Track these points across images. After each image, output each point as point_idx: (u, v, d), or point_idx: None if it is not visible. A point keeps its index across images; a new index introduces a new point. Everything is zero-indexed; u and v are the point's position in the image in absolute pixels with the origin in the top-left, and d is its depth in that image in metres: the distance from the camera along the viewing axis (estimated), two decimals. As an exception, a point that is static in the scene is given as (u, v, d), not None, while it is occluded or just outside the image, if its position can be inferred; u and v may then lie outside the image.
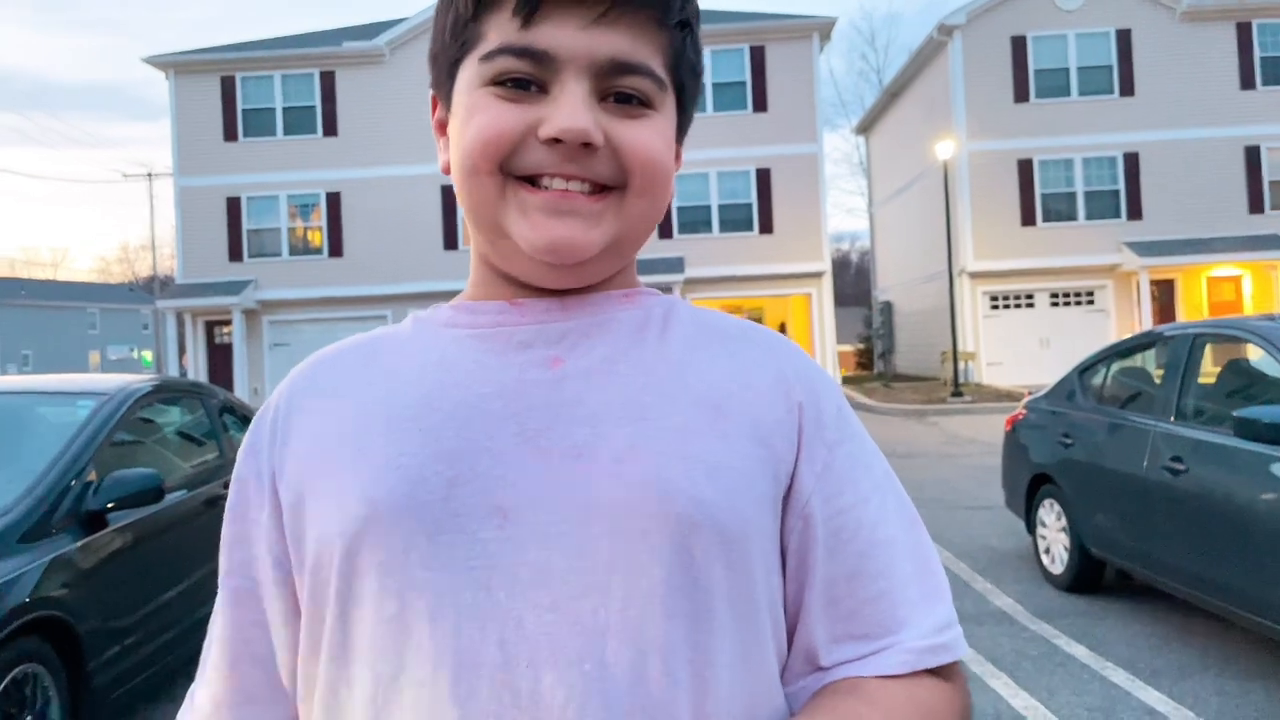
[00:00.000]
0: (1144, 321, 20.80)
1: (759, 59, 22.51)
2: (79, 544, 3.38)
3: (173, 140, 23.14)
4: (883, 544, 0.70)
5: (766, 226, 22.51)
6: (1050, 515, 5.68)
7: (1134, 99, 21.82)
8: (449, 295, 0.83)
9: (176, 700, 3.75)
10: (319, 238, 23.09)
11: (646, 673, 0.62)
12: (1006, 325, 22.36)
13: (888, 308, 30.27)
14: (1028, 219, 22.00)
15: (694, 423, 0.67)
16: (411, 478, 0.65)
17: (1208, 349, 4.78)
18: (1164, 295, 22.06)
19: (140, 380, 4.40)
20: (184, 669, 3.99)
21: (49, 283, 61.26)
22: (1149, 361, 5.46)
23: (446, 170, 0.74)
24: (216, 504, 4.31)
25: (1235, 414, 3.98)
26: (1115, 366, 5.58)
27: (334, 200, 22.88)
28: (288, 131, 22.92)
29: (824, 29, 22.80)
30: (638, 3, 0.66)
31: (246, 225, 22.99)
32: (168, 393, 4.65)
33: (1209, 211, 21.57)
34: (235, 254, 22.97)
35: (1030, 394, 6.64)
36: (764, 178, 22.47)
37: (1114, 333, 21.50)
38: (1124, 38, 21.86)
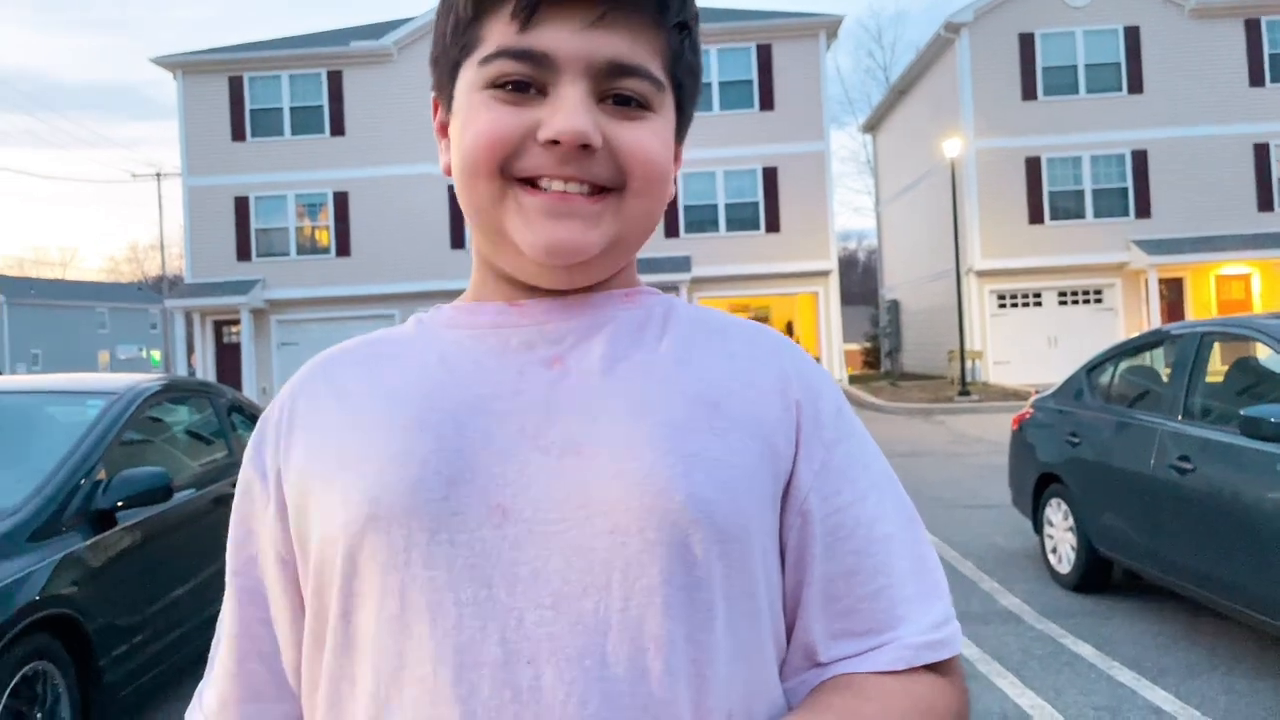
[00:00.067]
0: (1152, 320, 20.70)
1: (765, 57, 22.48)
2: (88, 542, 3.41)
3: (181, 140, 23.23)
4: (880, 541, 0.71)
5: (773, 225, 22.48)
6: (1057, 514, 5.66)
7: (1142, 96, 21.72)
8: (456, 294, 0.84)
9: (185, 697, 3.77)
10: (326, 237, 23.15)
11: (647, 669, 0.62)
12: (1014, 324, 22.29)
13: (894, 306, 30.21)
14: (1035, 217, 21.92)
15: (693, 421, 0.67)
16: (412, 477, 0.65)
17: (1216, 347, 4.77)
18: (1172, 293, 21.96)
19: (149, 380, 4.42)
20: (193, 666, 4.01)
21: (58, 282, 61.41)
22: (1157, 360, 5.44)
23: (448, 172, 0.74)
24: (225, 502, 4.34)
25: (1243, 413, 3.97)
26: (1123, 365, 5.56)
27: (341, 200, 22.94)
28: (295, 131, 22.98)
29: (831, 27, 22.77)
30: (635, 5, 0.67)
31: (254, 225, 23.06)
32: (176, 392, 4.68)
33: (1218, 209, 21.46)
34: (243, 253, 23.04)
35: (1037, 393, 6.62)
36: (770, 176, 22.44)
37: (1122, 331, 21.41)
38: (1132, 35, 21.75)
